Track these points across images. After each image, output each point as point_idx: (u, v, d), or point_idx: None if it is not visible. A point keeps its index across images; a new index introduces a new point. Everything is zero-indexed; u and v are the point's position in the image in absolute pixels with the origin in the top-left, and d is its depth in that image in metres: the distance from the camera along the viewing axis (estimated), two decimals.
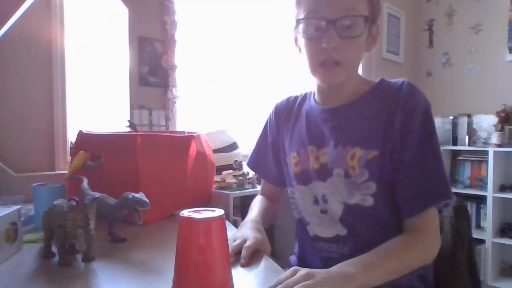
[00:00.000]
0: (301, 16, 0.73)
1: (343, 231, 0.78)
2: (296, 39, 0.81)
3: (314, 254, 0.83)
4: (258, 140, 1.01)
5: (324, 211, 0.80)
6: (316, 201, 0.81)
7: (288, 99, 0.95)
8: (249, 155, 1.03)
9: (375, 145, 0.73)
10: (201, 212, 0.52)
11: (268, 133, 0.97)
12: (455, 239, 0.86)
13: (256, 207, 0.92)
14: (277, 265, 0.66)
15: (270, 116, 0.98)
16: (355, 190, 0.74)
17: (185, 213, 0.51)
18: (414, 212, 0.70)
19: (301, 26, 0.73)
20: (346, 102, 0.79)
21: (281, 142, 0.92)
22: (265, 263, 0.68)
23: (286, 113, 0.92)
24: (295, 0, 0.76)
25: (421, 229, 0.70)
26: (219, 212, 0.52)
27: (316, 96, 0.86)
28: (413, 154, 0.70)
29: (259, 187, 2.01)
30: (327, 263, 0.73)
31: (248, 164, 1.03)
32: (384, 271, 0.63)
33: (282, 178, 0.93)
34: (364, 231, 0.76)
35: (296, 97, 0.94)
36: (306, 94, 0.91)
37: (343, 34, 0.69)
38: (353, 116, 0.77)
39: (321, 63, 0.72)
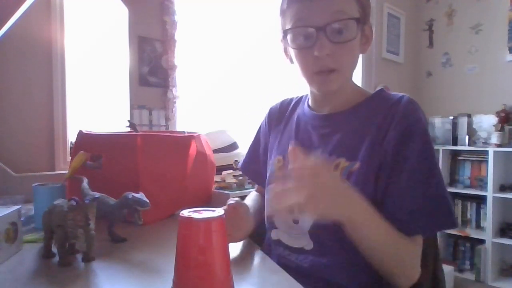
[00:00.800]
0: (288, 26, 0.70)
1: (309, 245, 0.72)
2: (285, 50, 0.78)
3: (267, 254, 0.75)
4: (251, 143, 0.99)
5: (296, 221, 0.75)
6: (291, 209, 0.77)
7: (282, 103, 0.93)
8: (242, 158, 1.02)
9: (360, 158, 0.68)
10: (201, 212, 0.52)
11: (261, 137, 0.96)
12: None
13: (248, 202, 0.91)
14: (277, 265, 0.66)
15: (264, 119, 0.96)
16: None
17: (185, 213, 0.51)
18: (413, 234, 0.65)
19: (289, 36, 0.70)
20: (339, 110, 0.76)
21: (271, 146, 0.90)
22: (265, 263, 0.68)
23: (278, 116, 0.91)
24: (280, 10, 0.72)
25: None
26: (219, 212, 0.52)
27: (310, 101, 0.83)
28: (413, 172, 0.64)
29: None
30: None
31: (240, 167, 1.03)
32: (375, 232, 0.62)
33: (256, 174, 0.93)
34: (330, 249, 0.70)
35: (291, 100, 0.92)
36: (302, 97, 0.90)
37: (335, 39, 0.66)
38: (344, 126, 0.74)
39: (317, 72, 0.70)
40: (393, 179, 0.65)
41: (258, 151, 0.96)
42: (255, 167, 0.96)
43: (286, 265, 0.72)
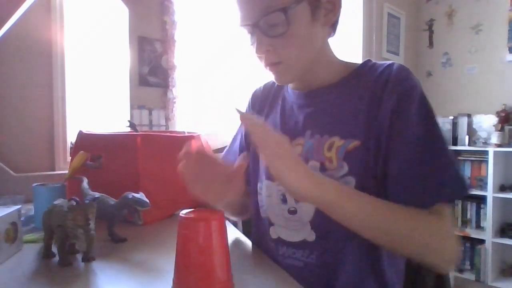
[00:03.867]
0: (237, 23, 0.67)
1: (311, 237, 0.68)
2: None
3: (274, 260, 0.72)
4: (235, 134, 0.94)
5: (292, 211, 0.70)
6: (284, 199, 0.71)
7: (265, 86, 0.88)
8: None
9: (357, 133, 0.63)
10: (201, 212, 0.52)
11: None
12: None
13: None
14: (279, 267, 0.66)
15: (247, 104, 0.90)
16: None
17: (185, 213, 0.51)
18: (426, 205, 0.58)
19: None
20: (325, 85, 0.71)
21: None
22: (265, 263, 0.68)
23: (262, 100, 0.85)
24: None
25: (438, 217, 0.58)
26: (219, 212, 0.52)
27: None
28: (414, 144, 0.59)
29: None
30: (288, 270, 0.65)
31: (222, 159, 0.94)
32: (351, 205, 0.55)
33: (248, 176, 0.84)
34: (335, 238, 0.65)
35: (274, 83, 0.84)
36: None
37: (271, 33, 0.62)
38: (332, 100, 0.69)
39: (266, 66, 0.67)
40: (394, 152, 0.61)
41: (237, 140, 0.91)
42: (233, 158, 0.88)
43: (292, 265, 0.69)
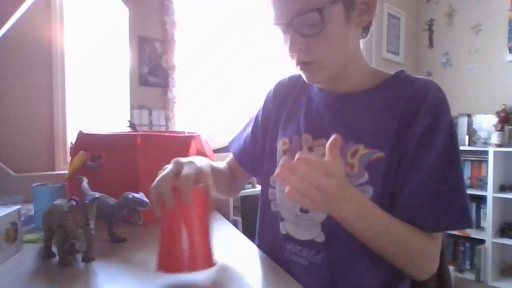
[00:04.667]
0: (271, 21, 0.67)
1: (320, 238, 0.68)
2: None
3: (280, 254, 0.73)
4: (250, 127, 0.90)
5: (305, 210, 0.70)
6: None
7: (290, 78, 0.85)
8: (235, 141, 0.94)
9: (383, 145, 0.64)
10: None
11: (261, 112, 0.87)
12: None
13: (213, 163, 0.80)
14: (277, 265, 0.66)
15: (268, 93, 0.88)
16: None
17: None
18: (426, 229, 0.62)
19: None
20: (355, 90, 0.70)
21: (273, 124, 0.82)
22: (266, 263, 0.68)
23: (286, 93, 0.83)
24: None
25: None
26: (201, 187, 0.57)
27: None
28: (434, 166, 0.61)
29: (259, 187, 2.02)
30: (292, 267, 0.68)
31: (234, 153, 0.92)
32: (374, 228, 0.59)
33: (257, 166, 0.84)
34: (344, 242, 0.66)
35: (299, 76, 0.82)
36: None
37: (305, 33, 0.62)
38: (362, 107, 0.68)
39: (297, 64, 0.67)
40: (412, 172, 0.62)
41: (257, 134, 0.87)
42: (253, 153, 0.87)
43: (297, 263, 0.70)
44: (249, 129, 0.90)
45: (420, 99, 0.63)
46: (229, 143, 0.95)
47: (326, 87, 0.75)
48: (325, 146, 0.68)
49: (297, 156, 0.53)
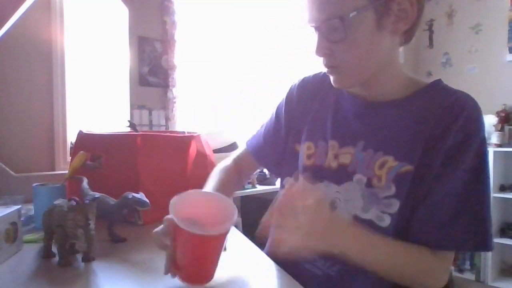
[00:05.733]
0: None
1: None
2: None
3: (297, 263, 0.69)
4: (270, 125, 0.86)
5: None
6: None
7: (315, 76, 0.81)
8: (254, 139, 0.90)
9: (413, 158, 0.61)
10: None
11: (284, 111, 0.82)
12: None
13: (214, 179, 0.80)
14: (279, 267, 0.66)
15: (291, 89, 0.83)
16: (374, 204, 0.63)
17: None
18: (439, 247, 0.60)
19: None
20: (388, 99, 0.67)
21: (297, 125, 0.79)
22: (266, 265, 0.68)
23: (312, 92, 0.79)
24: None
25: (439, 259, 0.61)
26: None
27: None
28: (457, 184, 0.58)
29: (259, 187, 2.02)
30: (305, 275, 0.66)
31: (254, 154, 0.88)
32: (375, 260, 0.59)
33: (279, 165, 0.82)
34: None
35: (324, 75, 0.78)
36: None
37: (331, 38, 0.61)
38: (394, 117, 0.65)
39: (325, 68, 0.66)
40: (434, 188, 0.60)
41: (279, 132, 0.82)
42: (274, 152, 0.83)
43: (311, 273, 0.68)
44: (270, 126, 0.86)
45: (454, 115, 0.60)
46: (247, 141, 0.92)
47: (357, 93, 0.72)
48: (351, 154, 0.67)
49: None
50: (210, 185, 0.78)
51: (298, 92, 0.81)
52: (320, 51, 0.63)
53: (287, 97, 0.83)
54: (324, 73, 0.77)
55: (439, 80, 0.68)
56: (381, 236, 0.60)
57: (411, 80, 0.69)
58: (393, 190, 0.61)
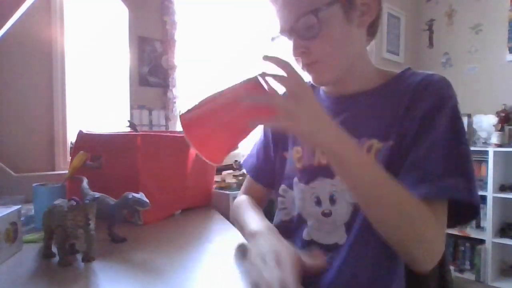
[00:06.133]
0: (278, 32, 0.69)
1: (342, 239, 0.68)
2: None
3: None
4: (260, 142, 0.91)
5: (327, 214, 0.70)
6: (318, 202, 0.72)
7: None
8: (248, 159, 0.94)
9: (392, 134, 0.64)
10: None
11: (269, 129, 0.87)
12: None
13: (251, 211, 0.78)
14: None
15: None
16: None
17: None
18: (432, 197, 0.58)
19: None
20: (361, 90, 0.72)
21: (282, 135, 0.83)
22: None
23: None
24: None
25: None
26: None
27: (323, 87, 0.79)
28: (436, 142, 0.60)
29: None
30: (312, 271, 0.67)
31: (248, 171, 0.93)
32: (372, 177, 0.56)
33: (273, 180, 0.84)
34: (365, 242, 0.65)
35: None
36: None
37: (304, 35, 0.64)
38: (370, 104, 0.70)
39: (303, 65, 0.69)
40: (414, 148, 0.61)
41: (268, 146, 0.87)
42: (268, 168, 0.86)
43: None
44: (260, 144, 0.90)
45: (423, 86, 0.64)
46: (242, 162, 0.96)
47: (332, 90, 0.76)
48: None
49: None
50: (249, 215, 0.77)
51: None
52: (297, 50, 0.66)
53: None
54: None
55: (409, 69, 0.71)
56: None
57: (382, 72, 0.74)
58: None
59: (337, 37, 0.65)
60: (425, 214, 0.57)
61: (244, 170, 0.97)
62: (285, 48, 0.70)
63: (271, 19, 0.71)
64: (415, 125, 0.62)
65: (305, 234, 0.74)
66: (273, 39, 0.72)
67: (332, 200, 0.70)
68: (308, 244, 0.73)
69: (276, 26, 0.69)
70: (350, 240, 0.67)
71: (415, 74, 0.69)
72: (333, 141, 0.54)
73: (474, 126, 2.89)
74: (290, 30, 0.65)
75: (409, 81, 0.67)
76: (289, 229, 0.77)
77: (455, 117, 0.62)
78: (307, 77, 0.72)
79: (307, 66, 0.68)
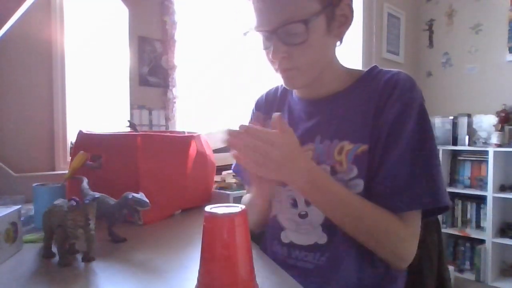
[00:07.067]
0: (253, 25, 0.70)
1: (322, 239, 0.70)
2: None
3: (285, 262, 0.74)
4: None
5: (303, 215, 0.72)
6: (294, 204, 0.74)
7: (268, 93, 0.90)
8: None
9: (365, 138, 0.67)
10: (224, 208, 0.52)
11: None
12: (421, 253, 0.75)
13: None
14: (277, 265, 0.66)
15: (252, 113, 0.92)
16: None
17: (208, 208, 0.51)
18: (396, 210, 0.64)
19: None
20: (332, 93, 0.74)
21: None
22: (265, 263, 0.68)
23: (267, 108, 0.87)
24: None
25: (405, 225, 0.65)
26: (241, 207, 0.52)
27: (295, 91, 0.82)
28: (404, 150, 0.64)
29: None
30: (301, 273, 0.70)
31: (232, 168, 0.97)
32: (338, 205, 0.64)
33: None
34: (343, 240, 0.68)
35: (276, 89, 0.88)
36: None
37: (288, 41, 0.65)
38: (341, 107, 0.72)
39: (279, 70, 0.71)
40: (384, 156, 0.65)
41: None
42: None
43: (305, 268, 0.71)
44: None
45: (390, 89, 0.67)
46: (232, 168, 0.99)
47: (305, 93, 0.79)
48: (313, 151, 0.73)
49: (239, 127, 0.59)
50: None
51: (256, 112, 0.90)
52: (277, 55, 0.67)
53: (250, 119, 0.92)
54: (275, 88, 0.88)
55: (375, 66, 0.75)
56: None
57: (350, 72, 0.76)
58: (355, 171, 0.67)
59: (317, 46, 0.67)
60: (395, 226, 0.63)
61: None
62: (256, 43, 0.71)
63: (245, 13, 0.71)
64: (385, 130, 0.66)
65: (284, 237, 0.76)
66: (245, 33, 0.72)
67: (308, 202, 0.72)
68: (288, 247, 0.75)
69: (252, 21, 0.69)
70: (332, 239, 0.69)
71: (381, 73, 0.72)
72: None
73: (474, 126, 2.89)
74: (272, 32, 0.65)
75: (376, 80, 0.70)
76: (275, 231, 0.78)
77: (421, 118, 0.65)
78: (279, 81, 0.75)
79: (285, 71, 0.70)
